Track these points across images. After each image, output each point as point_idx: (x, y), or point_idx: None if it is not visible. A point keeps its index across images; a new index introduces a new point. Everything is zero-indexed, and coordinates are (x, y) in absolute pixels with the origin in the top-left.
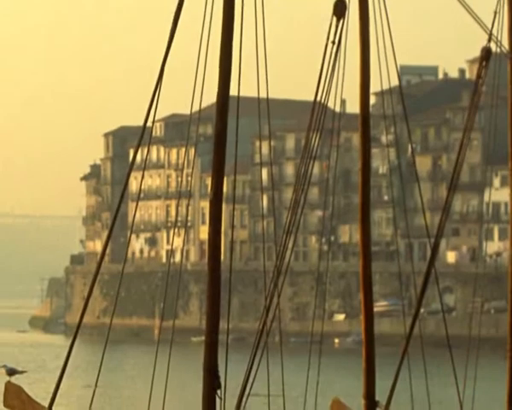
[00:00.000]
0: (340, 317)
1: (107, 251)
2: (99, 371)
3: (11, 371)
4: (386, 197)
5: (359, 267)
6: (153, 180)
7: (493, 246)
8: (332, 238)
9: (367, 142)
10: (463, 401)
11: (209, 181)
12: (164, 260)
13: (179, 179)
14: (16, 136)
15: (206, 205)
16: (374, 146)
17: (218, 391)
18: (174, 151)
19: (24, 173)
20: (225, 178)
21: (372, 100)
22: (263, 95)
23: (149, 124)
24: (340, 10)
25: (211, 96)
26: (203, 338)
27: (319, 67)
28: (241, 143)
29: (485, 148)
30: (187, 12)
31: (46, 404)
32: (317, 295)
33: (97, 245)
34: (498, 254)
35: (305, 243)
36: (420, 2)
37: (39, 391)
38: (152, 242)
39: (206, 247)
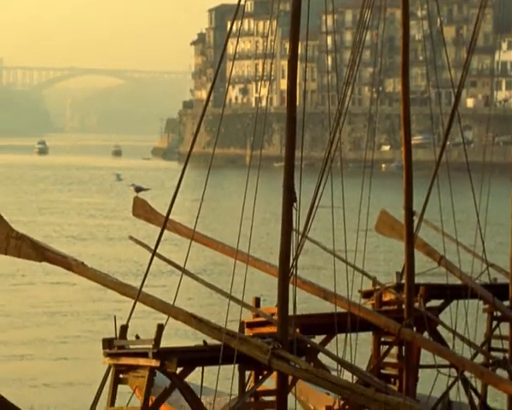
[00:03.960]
0: (386, 148)
1: (211, 98)
2: (204, 188)
3: (138, 189)
4: (421, 58)
5: (400, 110)
6: (245, 45)
7: (501, 94)
8: (380, 88)
9: (406, 16)
10: (479, 210)
11: (287, 45)
12: (253, 105)
13: (265, 44)
14: (146, 6)
15: (285, 63)
16: (411, 19)
17: (294, 204)
18: (261, 23)
19: (149, 37)
20: (299, 43)
21: None
22: None
23: (242, 2)
24: None
25: None
26: (283, 164)
27: None
28: (311, 16)
29: (495, 20)
30: None
31: (164, 213)
32: (368, 131)
33: (203, 94)
34: (505, 100)
35: (359, 92)
36: None
37: (159, 204)
38: (244, 91)
39: (285, 95)
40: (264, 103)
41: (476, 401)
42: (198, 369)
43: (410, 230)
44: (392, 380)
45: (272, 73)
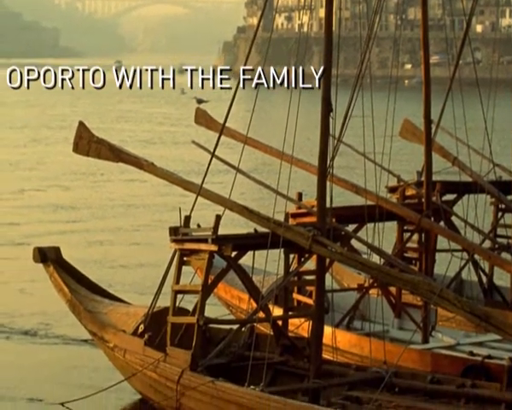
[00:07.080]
0: (408, 66)
1: (260, 24)
2: (255, 101)
3: (199, 101)
4: None
5: (420, 35)
6: None
7: (506, 21)
8: (403, 16)
9: None
10: (487, 119)
11: None
12: (296, 30)
13: None
14: None
15: None
16: None
17: (331, 113)
18: None
19: None
20: None
21: None
22: None
23: None
24: None
25: None
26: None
27: None
28: None
29: None
30: None
31: (222, 121)
32: (393, 52)
33: (254, 20)
34: (509, 26)
35: (386, 19)
36: None
37: (217, 113)
38: (289, 18)
39: (323, 21)
40: (305, 29)
41: (484, 279)
42: (250, 253)
43: (429, 135)
44: (413, 262)
45: (312, 3)
